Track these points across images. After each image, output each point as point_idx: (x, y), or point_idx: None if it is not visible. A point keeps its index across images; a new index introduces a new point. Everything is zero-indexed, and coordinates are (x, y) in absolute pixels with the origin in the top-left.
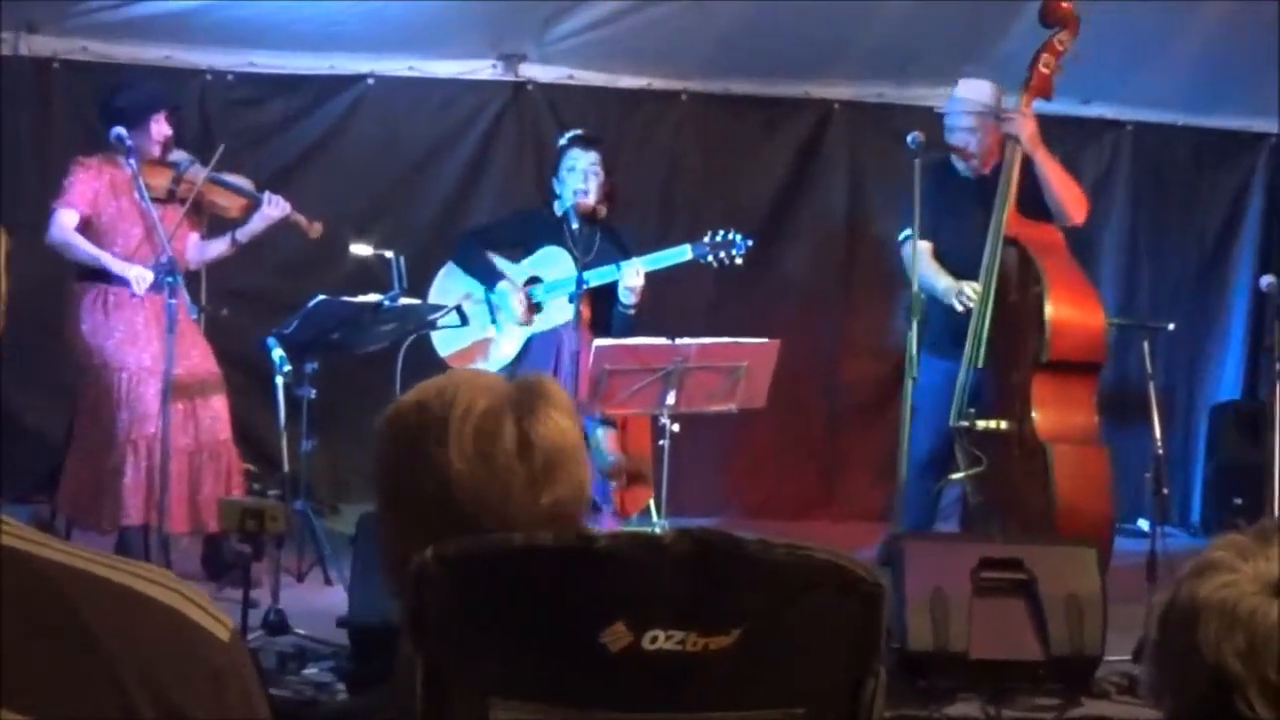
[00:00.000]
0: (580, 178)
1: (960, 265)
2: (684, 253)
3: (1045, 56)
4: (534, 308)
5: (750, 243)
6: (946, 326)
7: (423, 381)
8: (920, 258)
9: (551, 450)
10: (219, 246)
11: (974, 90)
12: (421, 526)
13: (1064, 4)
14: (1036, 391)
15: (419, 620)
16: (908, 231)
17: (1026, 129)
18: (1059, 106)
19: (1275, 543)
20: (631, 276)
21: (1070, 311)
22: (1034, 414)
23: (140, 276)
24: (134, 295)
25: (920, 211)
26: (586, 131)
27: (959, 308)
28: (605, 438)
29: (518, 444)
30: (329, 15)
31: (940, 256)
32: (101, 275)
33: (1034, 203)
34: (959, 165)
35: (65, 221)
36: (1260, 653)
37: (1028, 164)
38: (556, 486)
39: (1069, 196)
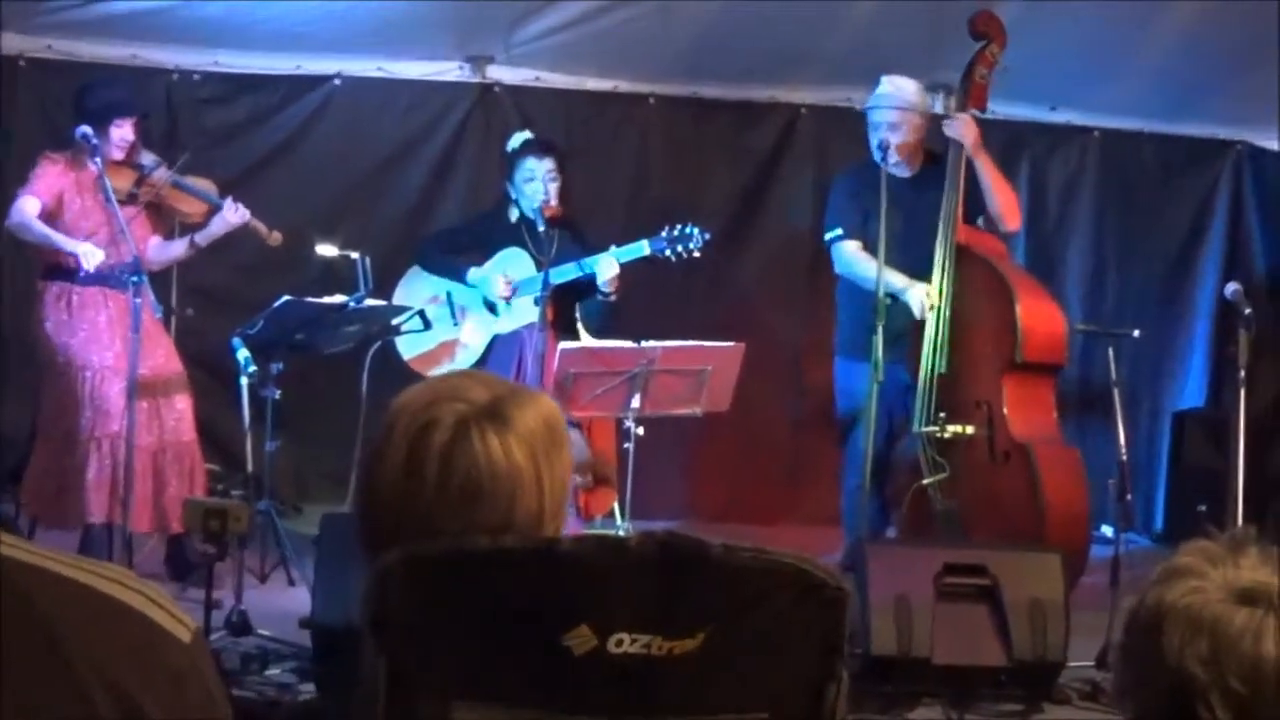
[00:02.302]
0: (539, 187)
1: (889, 265)
2: (641, 248)
3: (979, 68)
4: (513, 290)
5: (708, 236)
6: (857, 329)
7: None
8: (861, 256)
9: (477, 474)
10: (178, 248)
11: (897, 87)
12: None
13: (990, 18)
14: (1008, 393)
15: (382, 622)
16: (838, 231)
17: (970, 134)
18: (1026, 112)
19: (1248, 551)
20: (608, 269)
21: (1038, 313)
22: (1007, 416)
23: (89, 253)
24: (84, 273)
25: (848, 209)
26: (539, 137)
27: (918, 313)
28: (574, 437)
29: (439, 463)
30: (296, 15)
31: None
32: (65, 273)
33: (970, 209)
34: (883, 164)
35: (26, 207)
36: (1223, 659)
37: (969, 170)
38: (477, 512)
39: (1008, 203)
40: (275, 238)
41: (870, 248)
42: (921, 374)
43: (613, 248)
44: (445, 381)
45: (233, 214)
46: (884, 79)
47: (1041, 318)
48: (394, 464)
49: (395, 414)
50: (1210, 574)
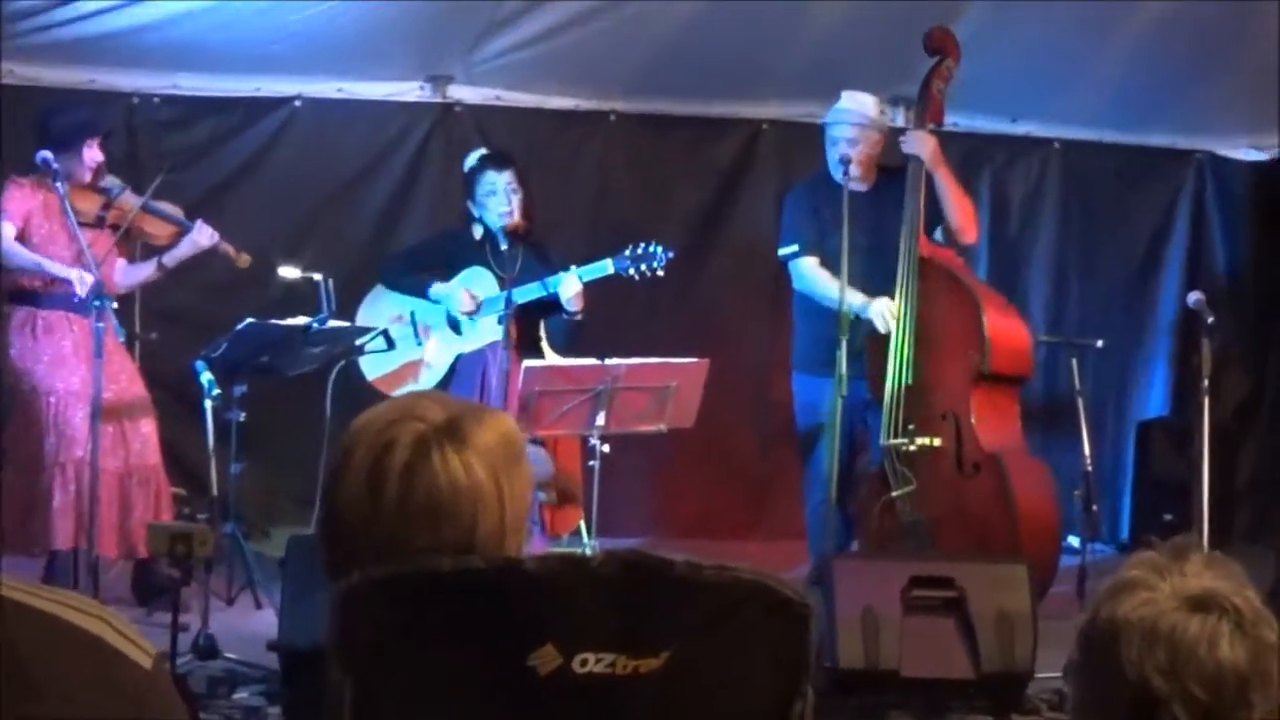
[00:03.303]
0: (503, 200)
1: (849, 280)
2: (605, 267)
3: (936, 83)
4: (478, 304)
5: (671, 254)
6: (816, 344)
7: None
8: (819, 273)
9: (438, 493)
10: (145, 271)
11: (857, 102)
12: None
13: (944, 33)
14: (976, 405)
15: (347, 644)
16: (794, 248)
17: (928, 148)
18: (986, 124)
19: (1190, 558)
20: (571, 288)
21: (1005, 325)
22: (975, 428)
23: (81, 278)
24: (76, 298)
25: (804, 225)
26: (494, 151)
27: (882, 327)
28: (538, 454)
29: (400, 483)
30: (257, 37)
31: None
32: (31, 298)
33: (929, 223)
34: (840, 179)
35: (5, 233)
36: (1182, 668)
37: (928, 183)
38: (440, 530)
39: (966, 217)
40: (244, 259)
41: (828, 263)
42: (888, 387)
43: (574, 267)
44: (401, 402)
45: (202, 236)
46: (844, 94)
47: (1008, 329)
48: (354, 485)
49: (353, 436)
50: (1159, 585)
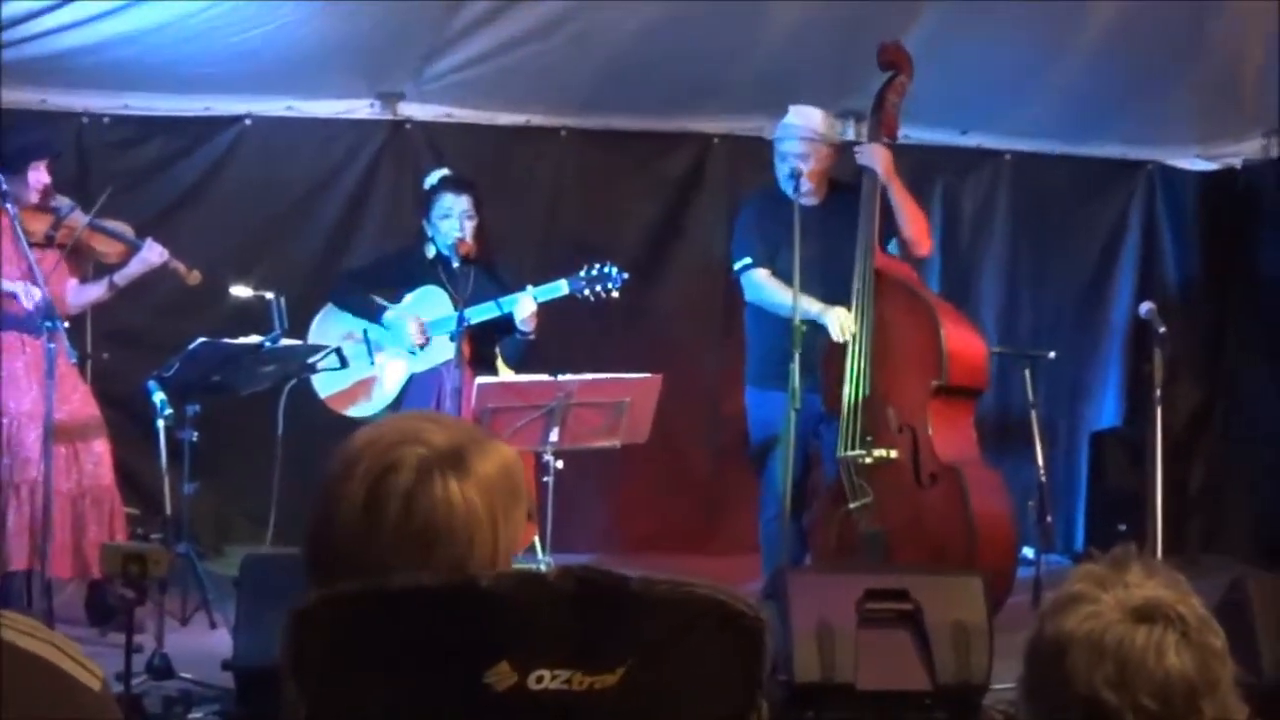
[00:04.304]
0: (455, 224)
1: (803, 292)
2: (560, 288)
3: (890, 98)
4: (427, 339)
5: (626, 276)
6: (768, 358)
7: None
8: (772, 283)
9: (436, 520)
10: (97, 290)
11: (806, 117)
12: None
13: (898, 49)
14: (933, 417)
15: (301, 663)
16: (747, 260)
17: (882, 161)
18: (937, 136)
19: (1131, 568)
20: (525, 308)
21: (961, 338)
22: (933, 440)
23: (27, 290)
24: (28, 315)
25: (755, 239)
26: (456, 175)
27: (837, 336)
28: None
29: (401, 507)
30: (205, 56)
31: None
32: None
33: (882, 235)
34: (790, 193)
35: None
36: (1131, 679)
37: (882, 197)
38: (434, 557)
39: (919, 230)
40: (194, 277)
41: (780, 277)
42: (845, 399)
43: (530, 287)
44: (405, 423)
45: (152, 254)
46: (791, 109)
47: (965, 342)
48: (352, 505)
49: (355, 452)
50: (1103, 598)
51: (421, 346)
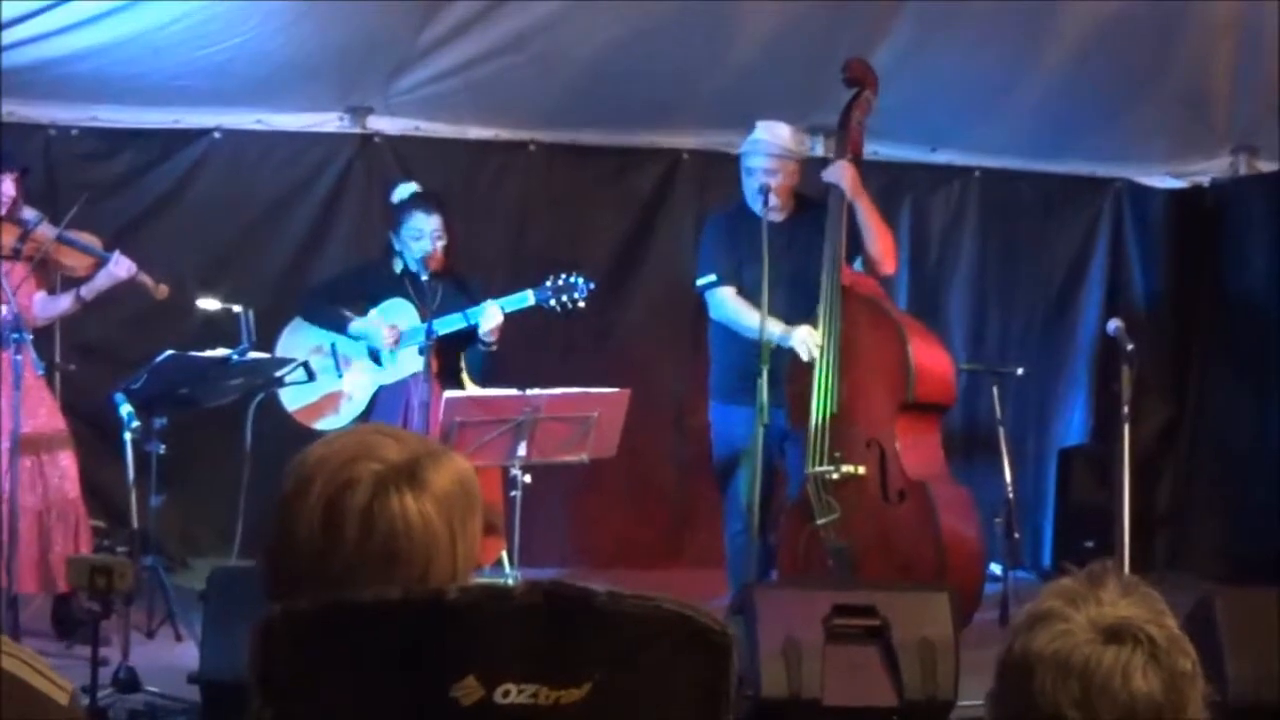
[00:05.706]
0: (426, 244)
1: (769, 310)
2: (526, 298)
3: (855, 114)
4: (398, 338)
5: (592, 285)
6: (730, 373)
7: (337, 433)
8: (737, 302)
9: (395, 537)
10: (64, 303)
11: (772, 132)
12: (268, 580)
13: (862, 65)
14: (900, 434)
15: (268, 677)
16: (712, 277)
17: (848, 178)
18: (906, 153)
19: (1107, 585)
20: (491, 319)
21: (929, 354)
22: (900, 456)
23: None
24: None
25: (721, 255)
26: (425, 191)
27: (805, 355)
28: None
29: (359, 524)
30: (174, 69)
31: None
32: None
33: (849, 252)
34: (758, 209)
35: None
36: (1096, 700)
37: (849, 213)
38: (394, 573)
39: (886, 247)
40: (162, 290)
41: (746, 293)
42: (813, 415)
43: (496, 298)
44: (359, 438)
45: (119, 268)
46: (759, 124)
47: (932, 358)
48: (310, 521)
49: (310, 468)
50: (1074, 616)
51: (393, 349)
